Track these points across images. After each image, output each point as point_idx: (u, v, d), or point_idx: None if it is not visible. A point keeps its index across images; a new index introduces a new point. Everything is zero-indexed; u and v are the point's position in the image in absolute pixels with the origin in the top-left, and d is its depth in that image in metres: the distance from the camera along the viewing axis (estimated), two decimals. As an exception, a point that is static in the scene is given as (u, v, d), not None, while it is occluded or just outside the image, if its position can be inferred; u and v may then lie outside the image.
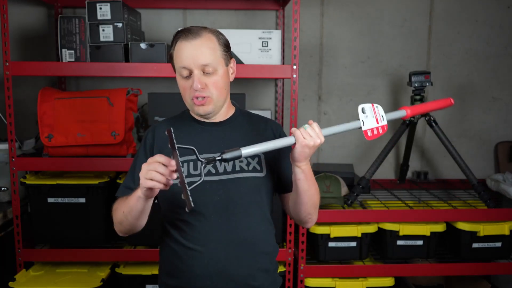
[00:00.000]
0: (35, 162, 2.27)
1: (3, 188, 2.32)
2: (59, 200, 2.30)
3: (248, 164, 1.44)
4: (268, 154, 1.46)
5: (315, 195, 1.43)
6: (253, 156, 1.44)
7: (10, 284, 2.20)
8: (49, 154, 2.28)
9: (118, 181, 2.33)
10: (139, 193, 1.27)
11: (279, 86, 2.88)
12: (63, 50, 2.33)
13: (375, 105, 1.35)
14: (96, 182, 2.29)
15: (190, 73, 1.38)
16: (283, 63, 2.69)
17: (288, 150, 1.38)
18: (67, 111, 2.25)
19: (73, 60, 2.33)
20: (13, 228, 2.28)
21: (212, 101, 1.41)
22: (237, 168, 1.42)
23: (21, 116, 2.50)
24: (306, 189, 1.38)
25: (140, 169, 1.24)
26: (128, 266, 2.38)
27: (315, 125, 1.31)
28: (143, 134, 2.53)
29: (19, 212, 2.27)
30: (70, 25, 2.32)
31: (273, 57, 2.31)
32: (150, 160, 1.23)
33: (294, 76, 2.22)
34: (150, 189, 1.23)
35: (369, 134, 1.32)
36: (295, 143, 1.30)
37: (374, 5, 2.91)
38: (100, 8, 2.27)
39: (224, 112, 1.50)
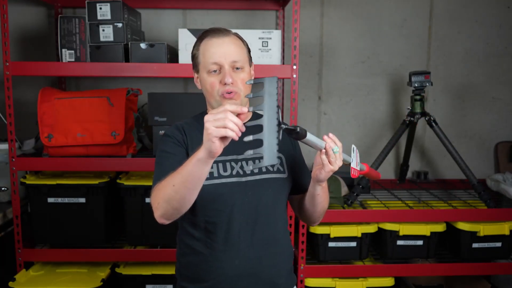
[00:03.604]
0: (35, 162, 2.27)
1: (3, 188, 2.33)
2: (59, 200, 2.30)
3: (273, 165, 1.46)
4: (288, 156, 1.51)
5: (327, 200, 1.52)
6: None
7: (10, 284, 2.20)
8: (49, 154, 2.28)
9: (118, 181, 2.33)
10: (199, 154, 1.15)
11: (279, 86, 2.88)
12: (63, 50, 2.33)
13: (357, 150, 1.49)
14: (96, 182, 2.29)
15: (219, 68, 1.40)
16: (283, 63, 2.69)
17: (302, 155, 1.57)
18: (67, 111, 2.26)
19: (73, 60, 2.33)
20: (13, 228, 2.28)
21: (240, 96, 1.42)
22: (263, 169, 1.44)
23: (21, 116, 2.49)
24: (322, 200, 1.47)
25: (173, 155, 1.27)
26: (128, 266, 2.39)
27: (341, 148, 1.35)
28: (143, 134, 2.54)
29: (19, 212, 2.27)
30: (70, 25, 2.32)
31: (273, 57, 2.31)
32: (216, 110, 1.14)
33: (294, 76, 2.22)
34: (222, 139, 1.12)
35: (353, 172, 1.45)
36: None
37: (374, 5, 2.91)
38: (100, 8, 2.27)
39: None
